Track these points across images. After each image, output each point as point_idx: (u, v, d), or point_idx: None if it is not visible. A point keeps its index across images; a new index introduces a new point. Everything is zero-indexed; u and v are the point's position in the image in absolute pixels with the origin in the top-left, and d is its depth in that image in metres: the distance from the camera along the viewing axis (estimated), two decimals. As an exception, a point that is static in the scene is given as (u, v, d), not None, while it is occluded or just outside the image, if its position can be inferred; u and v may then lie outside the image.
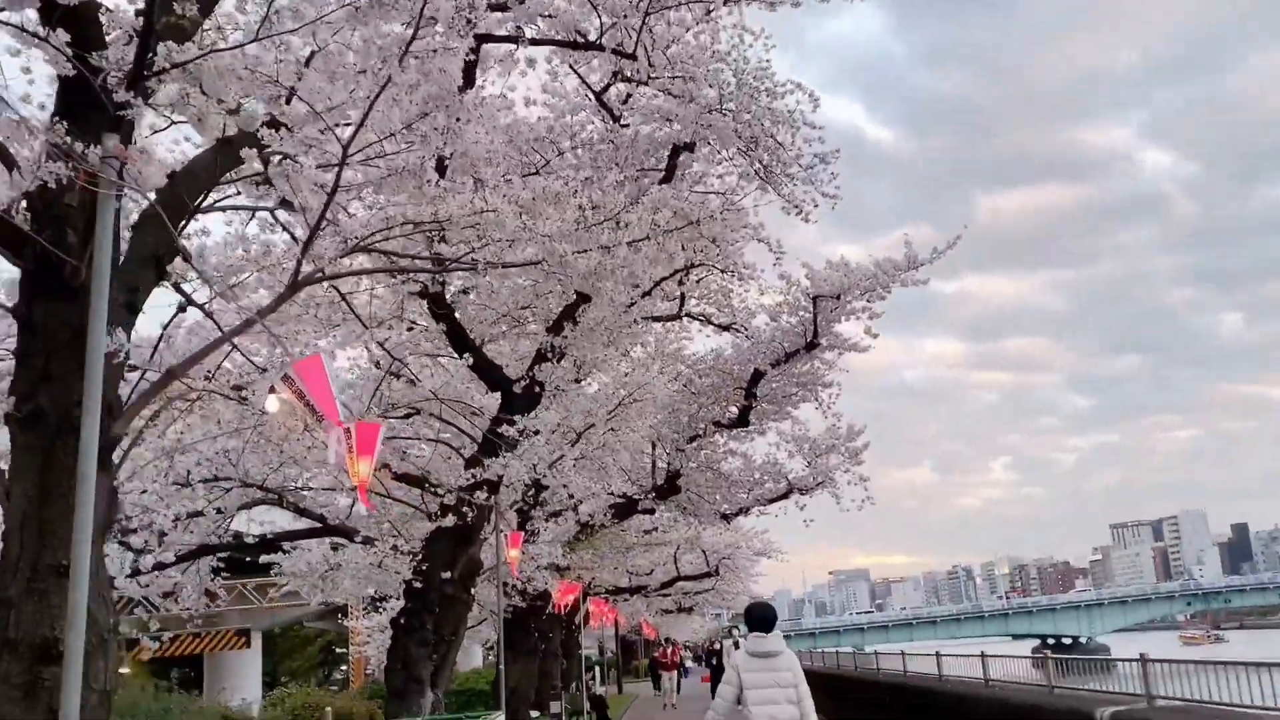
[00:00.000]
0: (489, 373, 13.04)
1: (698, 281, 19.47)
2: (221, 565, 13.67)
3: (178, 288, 6.08)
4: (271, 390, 5.31)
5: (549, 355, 13.12)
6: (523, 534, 13.67)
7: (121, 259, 5.42)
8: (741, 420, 18.99)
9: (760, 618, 8.92)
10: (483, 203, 5.33)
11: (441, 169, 5.99)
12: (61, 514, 4.96)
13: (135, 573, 12.69)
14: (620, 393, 13.20)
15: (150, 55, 5.16)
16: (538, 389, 13.25)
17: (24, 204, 5.15)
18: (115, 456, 5.64)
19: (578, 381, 15.38)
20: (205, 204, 6.35)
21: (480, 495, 12.96)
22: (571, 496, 18.93)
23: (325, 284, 10.26)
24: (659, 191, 13.25)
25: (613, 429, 14.01)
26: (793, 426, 21.40)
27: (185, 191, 6.19)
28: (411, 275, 7.25)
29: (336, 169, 4.95)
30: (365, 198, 6.25)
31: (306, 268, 5.10)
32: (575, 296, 13.02)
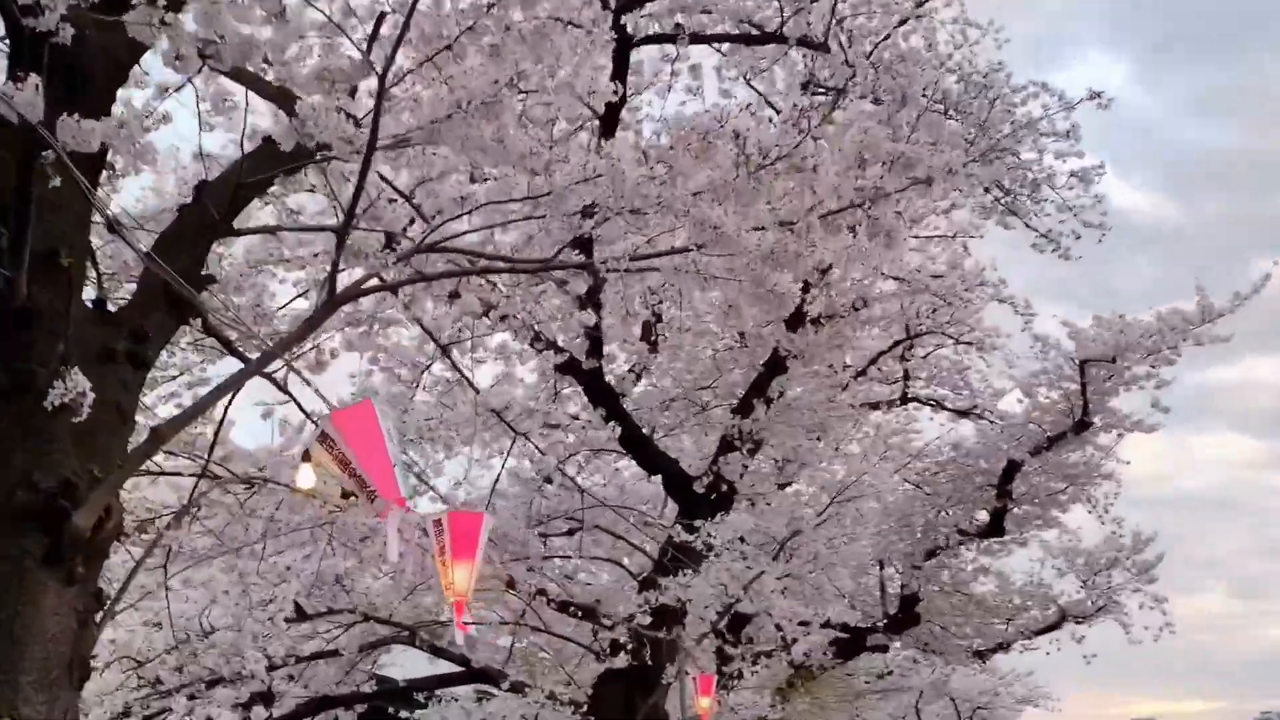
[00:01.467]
0: (664, 469, 11.69)
1: (925, 357, 17.82)
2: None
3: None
4: (306, 457, 4.13)
5: (737, 444, 11.69)
6: (717, 677, 12.07)
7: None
8: (994, 527, 16.85)
9: None
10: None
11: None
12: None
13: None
14: (835, 472, 11.60)
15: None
16: (725, 487, 11.81)
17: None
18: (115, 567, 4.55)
19: (781, 488, 13.86)
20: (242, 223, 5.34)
21: (662, 629, 11.52)
22: (780, 629, 17.19)
23: (442, 360, 9.27)
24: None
25: (828, 542, 12.35)
26: (1060, 536, 19.04)
27: (215, 206, 5.19)
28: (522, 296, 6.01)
29: (374, 105, 3.78)
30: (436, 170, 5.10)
31: (347, 275, 3.92)
32: (765, 367, 11.61)
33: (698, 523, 10.89)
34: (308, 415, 4.99)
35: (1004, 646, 19.96)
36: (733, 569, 10.96)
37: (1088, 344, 14.83)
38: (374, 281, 4.50)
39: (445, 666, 12.04)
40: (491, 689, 12.20)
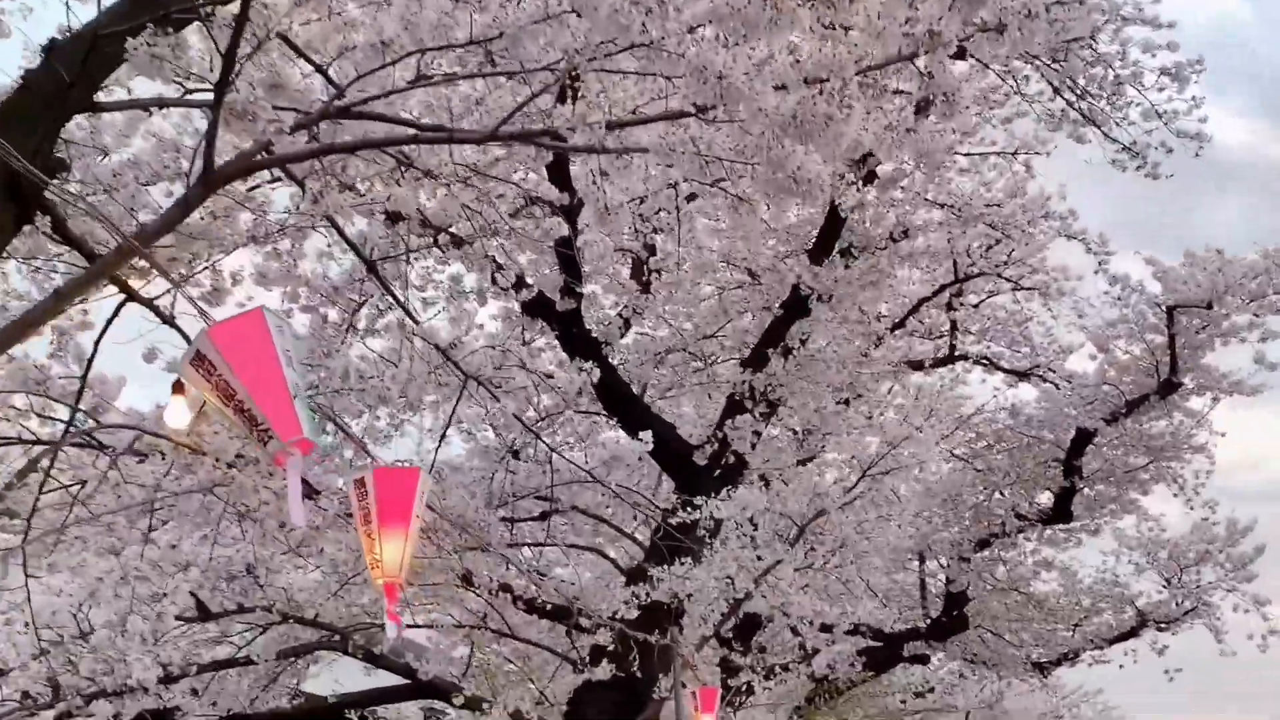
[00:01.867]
0: (657, 436, 11.29)
1: (976, 306, 17.41)
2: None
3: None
4: (177, 389, 3.71)
5: (748, 404, 11.31)
6: (721, 691, 11.73)
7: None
8: (1060, 512, 16.53)
9: None
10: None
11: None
12: None
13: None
14: (867, 444, 11.24)
15: None
16: (732, 458, 11.44)
17: None
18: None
19: (802, 464, 13.50)
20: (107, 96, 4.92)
21: (654, 632, 11.17)
22: (798, 635, 16.88)
23: (378, 290, 8.86)
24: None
25: (859, 526, 11.97)
26: (1139, 525, 18.73)
27: (68, 69, 4.76)
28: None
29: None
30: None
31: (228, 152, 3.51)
32: (783, 309, 11.21)
33: (699, 500, 10.51)
34: (189, 340, 4.57)
35: (1070, 658, 19.70)
36: (741, 558, 10.60)
37: (1178, 286, 14.47)
38: (262, 156, 4.06)
39: (386, 679, 11.67)
40: (443, 706, 11.84)
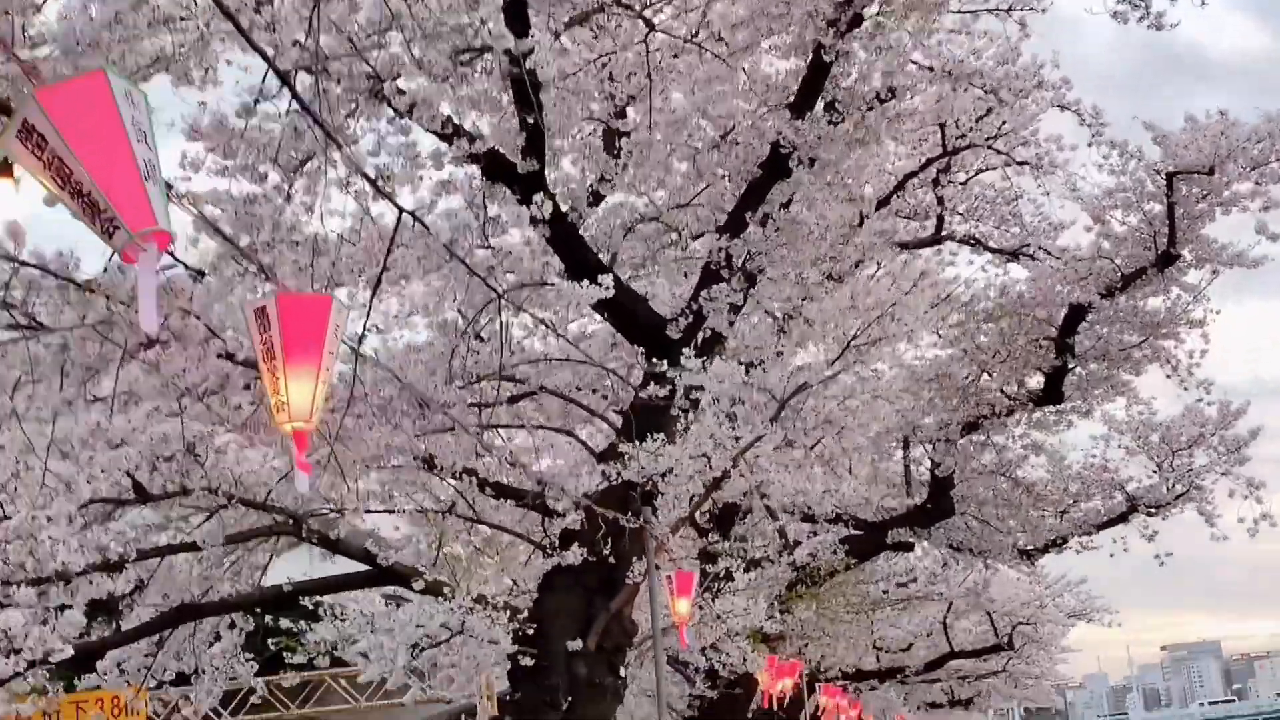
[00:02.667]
0: (625, 305, 10.57)
1: (964, 183, 16.66)
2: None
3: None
4: (3, 171, 2.99)
5: (724, 274, 10.58)
6: (699, 577, 11.16)
7: None
8: (1050, 393, 15.95)
9: None
10: None
11: None
12: None
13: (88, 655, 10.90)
14: (850, 328, 10.55)
15: None
16: (708, 332, 10.74)
17: None
18: None
19: (780, 355, 12.82)
20: None
21: (627, 514, 10.56)
22: (776, 519, 16.36)
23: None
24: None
25: (842, 403, 11.30)
26: (1129, 408, 18.18)
27: None
28: None
29: None
30: None
31: None
32: (762, 169, 10.42)
33: (671, 372, 9.82)
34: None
35: (1057, 544, 19.23)
36: (718, 435, 9.95)
37: (1179, 152, 13.76)
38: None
39: (347, 566, 11.07)
40: (405, 593, 11.26)
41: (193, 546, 9.73)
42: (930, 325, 15.93)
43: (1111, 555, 19.64)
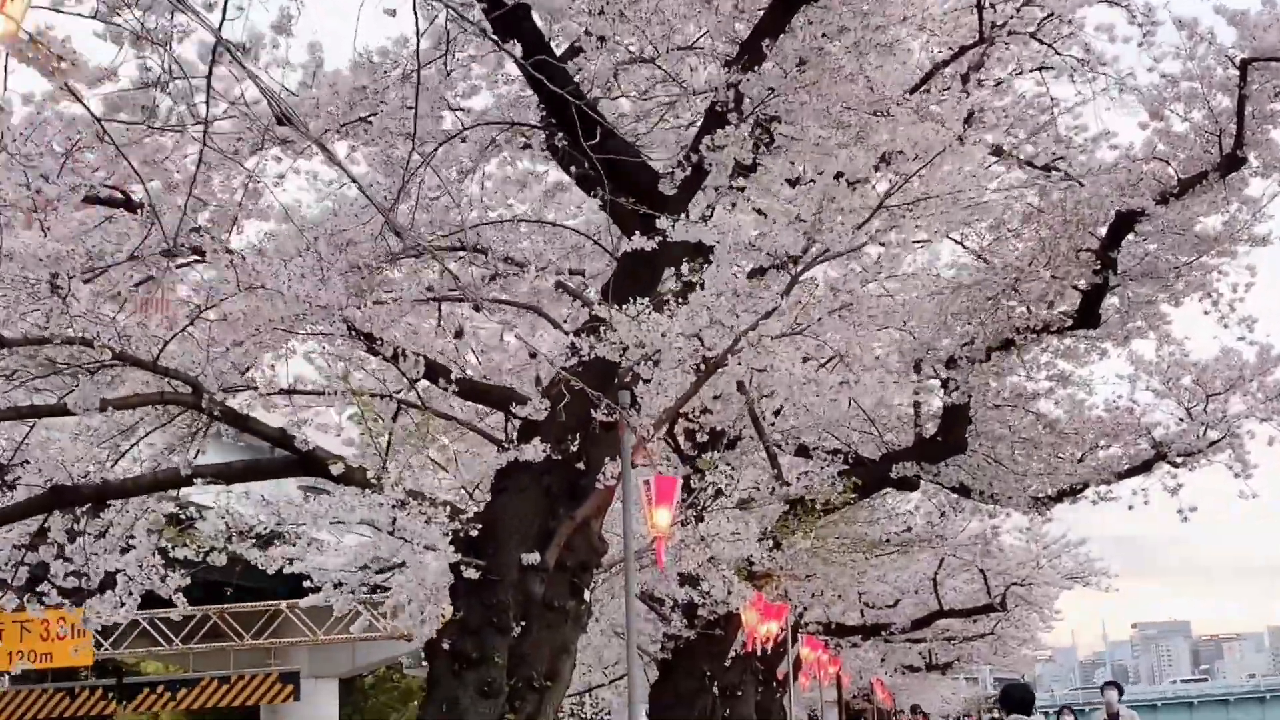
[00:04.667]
0: (609, 153, 8.63)
1: (997, 85, 14.74)
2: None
3: None
4: None
5: (730, 116, 8.64)
6: (682, 484, 9.28)
7: None
8: (1086, 314, 14.07)
9: (1020, 700, 10.69)
10: None
11: None
12: None
13: None
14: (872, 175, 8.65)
15: None
16: (712, 193, 8.82)
17: None
18: None
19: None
20: None
21: (601, 403, 8.68)
22: (765, 443, 14.52)
23: None
24: None
25: (848, 295, 9.37)
26: (1160, 348, 16.32)
27: None
28: None
29: None
30: None
31: None
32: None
33: (663, 221, 7.91)
34: None
35: (1075, 491, 17.40)
36: (715, 307, 8.06)
37: (1259, 34, 11.82)
38: None
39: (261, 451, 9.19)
40: (327, 485, 9.37)
41: (63, 410, 7.83)
42: (956, 227, 14.08)
43: (1131, 508, 17.85)
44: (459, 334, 10.90)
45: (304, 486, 10.37)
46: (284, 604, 32.22)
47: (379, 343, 9.01)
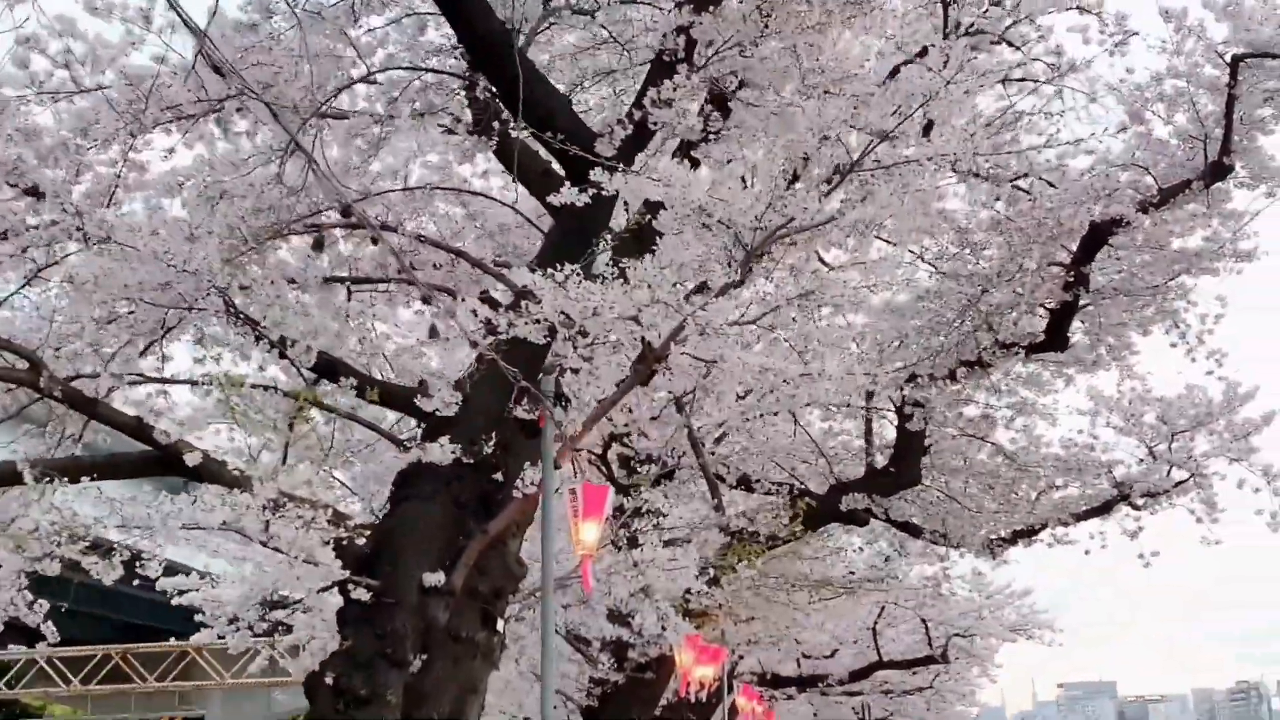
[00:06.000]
0: (539, 107, 7.33)
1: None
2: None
3: None
4: None
5: (678, 66, 7.39)
6: (612, 493, 7.91)
7: None
8: (1053, 336, 12.91)
9: None
10: None
11: None
12: None
13: None
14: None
15: None
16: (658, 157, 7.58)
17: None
18: None
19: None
20: None
21: (522, 397, 7.34)
22: (707, 472, 13.22)
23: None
24: None
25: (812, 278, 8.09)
26: (1121, 381, 15.25)
27: None
28: None
29: None
30: None
31: None
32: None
33: (599, 174, 6.60)
34: None
35: (1030, 533, 16.24)
36: (658, 282, 6.75)
37: (1254, 25, 10.79)
38: None
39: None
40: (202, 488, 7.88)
41: None
42: (915, 241, 12.92)
43: (1087, 552, 16.71)
44: (433, 333, 9.58)
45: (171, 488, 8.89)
46: (190, 643, 30.27)
47: (261, 327, 7.64)
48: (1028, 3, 11.32)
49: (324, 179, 7.31)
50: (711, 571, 12.17)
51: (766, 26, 7.39)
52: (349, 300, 9.51)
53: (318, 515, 6.69)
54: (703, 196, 6.66)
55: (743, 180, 7.98)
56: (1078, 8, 11.85)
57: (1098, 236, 12.05)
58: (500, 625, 8.40)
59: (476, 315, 7.05)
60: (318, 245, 8.05)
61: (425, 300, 8.65)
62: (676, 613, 10.92)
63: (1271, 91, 11.30)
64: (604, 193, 6.61)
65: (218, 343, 8.01)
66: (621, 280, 6.94)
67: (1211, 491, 15.32)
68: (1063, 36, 12.36)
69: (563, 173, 7.89)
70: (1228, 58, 11.00)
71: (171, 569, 14.83)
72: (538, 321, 6.87)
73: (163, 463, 7.24)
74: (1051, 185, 12.35)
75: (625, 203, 7.90)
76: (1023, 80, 12.63)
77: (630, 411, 10.53)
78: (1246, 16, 10.79)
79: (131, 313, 8.04)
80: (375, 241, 8.45)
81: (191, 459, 6.75)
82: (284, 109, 7.81)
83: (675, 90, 7.32)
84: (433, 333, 8.16)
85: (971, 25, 11.23)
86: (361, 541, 7.27)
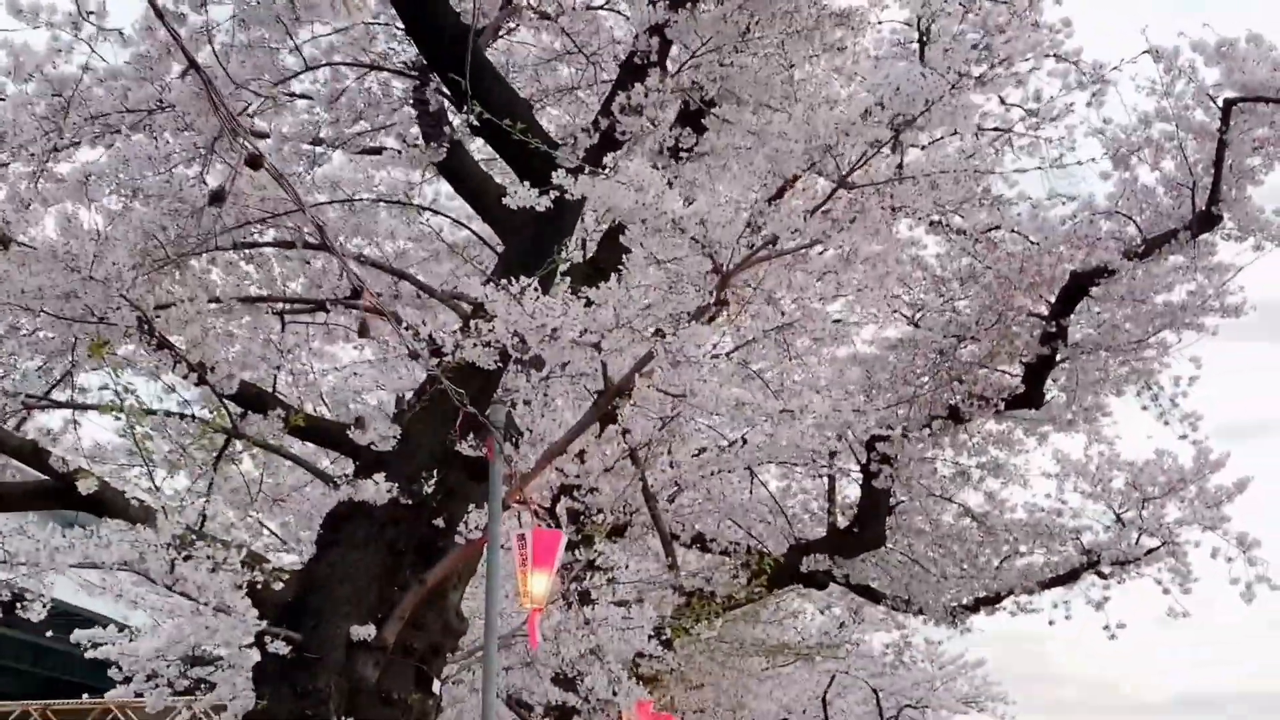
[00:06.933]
0: (495, 107, 6.59)
1: (925, 147, 13.19)
2: None
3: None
4: None
5: (652, 71, 6.69)
6: (565, 542, 7.08)
7: None
8: (1029, 391, 12.25)
9: None
10: None
11: None
12: None
13: None
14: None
15: None
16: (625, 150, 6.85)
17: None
18: None
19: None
20: None
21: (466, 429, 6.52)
22: (662, 531, 12.40)
23: None
24: None
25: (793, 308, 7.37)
26: (1089, 445, 14.66)
27: None
28: None
29: None
30: None
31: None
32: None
33: (562, 177, 5.85)
34: None
35: (993, 601, 15.52)
36: (622, 304, 6.00)
37: (1250, 68, 10.24)
38: None
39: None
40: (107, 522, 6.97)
41: None
42: (885, 294, 12.27)
43: (1051, 623, 16.03)
44: (363, 332, 8.71)
45: (67, 522, 7.97)
46: (110, 700, 28.82)
47: (179, 350, 6.80)
48: (1004, 48, 10.82)
49: (285, 185, 6.50)
50: (667, 633, 11.34)
51: (749, 30, 6.69)
52: (283, 331, 8.69)
53: (230, 555, 5.84)
54: (678, 209, 5.91)
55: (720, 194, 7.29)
56: (1055, 55, 11.33)
57: (1078, 288, 11.45)
58: (436, 687, 7.52)
59: (418, 336, 6.27)
60: (362, 332, 7.25)
61: (362, 332, 7.89)
62: (629, 676, 10.08)
63: (1261, 140, 10.79)
64: (568, 196, 5.85)
65: (128, 364, 7.15)
66: (584, 301, 6.19)
67: (1186, 560, 14.72)
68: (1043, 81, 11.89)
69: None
70: (1219, 101, 10.46)
71: (89, 620, 13.90)
72: (489, 345, 6.08)
73: (58, 493, 6.36)
74: (1027, 238, 11.83)
75: (585, 222, 7.20)
76: (996, 130, 12.12)
77: (583, 462, 9.76)
78: (1240, 58, 10.26)
79: (37, 329, 7.24)
80: (310, 261, 7.63)
81: (86, 486, 5.88)
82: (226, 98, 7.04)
83: (646, 96, 6.60)
84: (363, 331, 7.34)
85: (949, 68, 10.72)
86: (281, 587, 6.40)
